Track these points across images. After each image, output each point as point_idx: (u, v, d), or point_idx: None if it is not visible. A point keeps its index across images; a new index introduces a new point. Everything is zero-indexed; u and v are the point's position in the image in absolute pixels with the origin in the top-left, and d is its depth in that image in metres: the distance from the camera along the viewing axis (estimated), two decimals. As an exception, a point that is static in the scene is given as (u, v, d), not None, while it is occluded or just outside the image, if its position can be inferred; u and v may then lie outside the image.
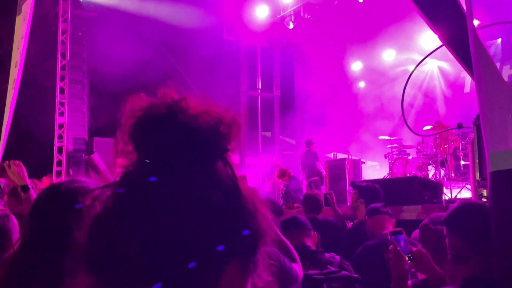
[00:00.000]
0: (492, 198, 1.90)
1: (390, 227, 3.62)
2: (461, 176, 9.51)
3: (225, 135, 0.74)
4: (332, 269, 2.41)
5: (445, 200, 6.26)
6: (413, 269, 2.46)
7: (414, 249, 2.32)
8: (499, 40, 12.53)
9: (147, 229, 0.64)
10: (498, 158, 1.85)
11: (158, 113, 0.71)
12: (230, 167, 0.73)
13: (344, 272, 2.32)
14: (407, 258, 2.27)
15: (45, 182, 12.76)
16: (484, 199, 4.41)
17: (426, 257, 2.31)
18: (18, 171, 2.73)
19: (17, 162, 2.77)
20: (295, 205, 7.67)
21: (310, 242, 3.04)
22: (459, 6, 4.11)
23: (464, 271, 2.07)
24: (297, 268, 2.54)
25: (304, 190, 11.09)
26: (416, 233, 3.07)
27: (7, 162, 2.74)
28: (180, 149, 0.69)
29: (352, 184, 4.67)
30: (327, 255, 2.72)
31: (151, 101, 0.75)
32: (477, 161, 4.27)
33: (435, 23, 4.27)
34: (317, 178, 11.46)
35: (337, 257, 2.72)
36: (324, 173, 10.93)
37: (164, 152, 0.69)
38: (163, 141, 0.69)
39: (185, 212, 0.65)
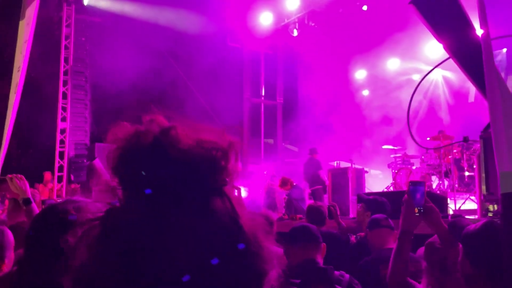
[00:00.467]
0: (504, 219, 1.83)
1: (391, 241, 3.52)
2: (465, 187, 9.41)
3: (222, 167, 0.65)
4: None
5: (451, 214, 6.17)
6: None
7: (427, 204, 2.30)
8: (505, 50, 12.48)
9: (131, 277, 0.57)
10: (510, 179, 1.78)
11: (145, 145, 0.64)
12: (230, 202, 0.64)
13: None
14: (416, 211, 2.26)
15: (47, 176, 12.76)
16: (490, 214, 4.34)
17: (436, 213, 2.30)
18: (20, 185, 2.72)
19: (19, 176, 2.77)
20: (298, 216, 7.58)
21: (320, 257, 2.85)
22: (465, 16, 4.06)
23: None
24: None
25: (307, 199, 11.01)
26: (421, 250, 2.99)
27: (9, 176, 2.73)
28: (171, 188, 0.61)
29: (359, 197, 4.59)
30: (336, 273, 2.63)
31: (136, 130, 0.66)
32: (483, 175, 4.19)
33: (440, 33, 4.22)
34: (320, 187, 11.37)
35: (347, 276, 2.64)
36: (327, 182, 10.84)
37: (153, 190, 0.61)
38: (151, 178, 0.61)
39: (180, 261, 0.58)
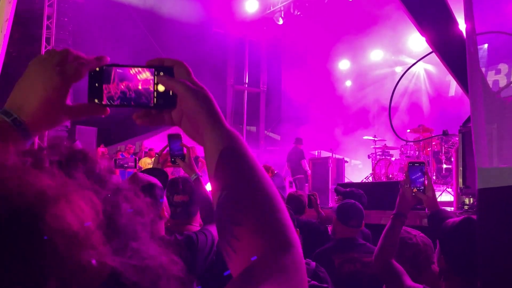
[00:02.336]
0: (479, 214, 1.89)
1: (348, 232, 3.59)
2: (442, 179, 9.58)
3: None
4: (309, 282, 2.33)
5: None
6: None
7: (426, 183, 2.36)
8: (486, 45, 12.64)
9: None
10: (487, 175, 1.83)
11: None
12: None
13: (313, 282, 2.26)
14: (415, 190, 2.32)
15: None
16: (466, 207, 4.44)
17: (433, 193, 2.36)
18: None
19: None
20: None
21: None
22: (448, 11, 4.11)
23: (445, 284, 2.07)
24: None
25: (288, 187, 11.09)
26: None
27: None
28: None
29: (337, 190, 4.65)
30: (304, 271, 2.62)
31: None
32: (461, 168, 4.28)
33: (423, 26, 4.26)
34: (302, 176, 11.47)
35: (313, 264, 2.63)
36: (309, 171, 10.94)
37: None
38: None
39: None
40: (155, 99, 0.85)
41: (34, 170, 0.53)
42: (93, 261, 0.50)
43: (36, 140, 12.19)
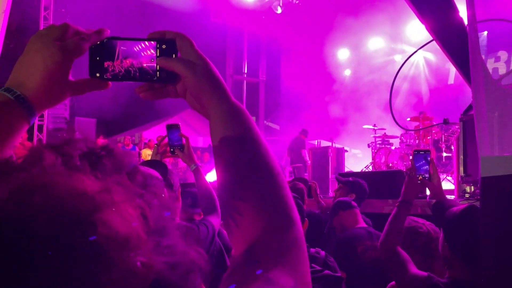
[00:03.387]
0: (482, 202, 1.89)
1: (362, 221, 3.66)
2: (442, 168, 9.58)
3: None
4: (316, 267, 2.34)
5: (429, 195, 6.30)
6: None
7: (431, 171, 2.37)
8: (485, 33, 12.60)
9: None
10: (490, 163, 1.83)
11: None
12: None
13: (326, 272, 2.26)
14: (420, 178, 2.33)
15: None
16: (467, 195, 4.45)
17: (438, 181, 2.38)
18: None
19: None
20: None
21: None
22: (449, -2, 4.09)
23: (449, 271, 2.08)
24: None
25: (287, 177, 11.10)
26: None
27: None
28: None
29: (338, 179, 4.63)
30: (312, 250, 2.62)
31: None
32: (462, 157, 4.28)
33: (423, 14, 4.24)
34: (301, 165, 11.49)
35: (322, 253, 2.64)
36: (309, 162, 10.94)
37: None
38: None
39: None
40: (157, 73, 0.84)
41: (74, 173, 0.52)
42: (138, 264, 0.50)
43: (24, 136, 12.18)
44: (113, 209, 0.50)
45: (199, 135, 15.23)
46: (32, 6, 13.63)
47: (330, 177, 9.88)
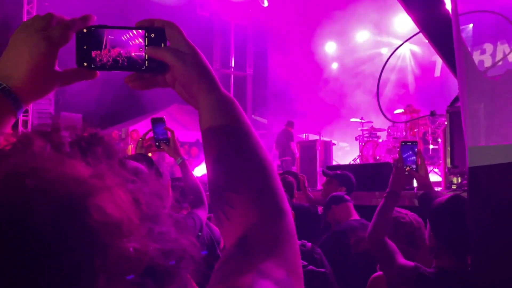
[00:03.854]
0: (470, 193, 1.90)
1: (355, 214, 3.71)
2: (429, 160, 9.65)
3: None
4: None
5: (417, 187, 6.36)
6: None
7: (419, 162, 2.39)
8: (471, 25, 12.69)
9: None
10: (477, 153, 1.83)
11: None
12: None
13: (310, 267, 2.25)
14: (408, 169, 2.35)
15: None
16: (454, 186, 4.48)
17: (426, 172, 2.40)
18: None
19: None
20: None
21: None
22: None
23: (435, 261, 2.09)
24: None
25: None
26: None
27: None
28: None
29: (324, 172, 4.65)
30: (298, 243, 2.62)
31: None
32: (449, 148, 4.31)
33: (409, 5, 4.25)
34: (289, 158, 11.48)
35: (309, 245, 2.63)
36: (297, 154, 10.94)
37: None
38: None
39: None
40: (146, 62, 0.82)
41: (66, 158, 0.52)
42: (131, 249, 0.49)
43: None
44: (106, 194, 0.49)
45: (186, 129, 15.17)
46: (15, 0, 13.44)
47: (318, 170, 9.90)
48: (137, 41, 0.82)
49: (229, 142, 0.76)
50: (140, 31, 0.82)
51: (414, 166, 2.35)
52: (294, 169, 10.93)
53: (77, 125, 0.59)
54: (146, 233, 0.52)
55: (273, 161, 11.90)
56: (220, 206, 0.71)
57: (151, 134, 2.63)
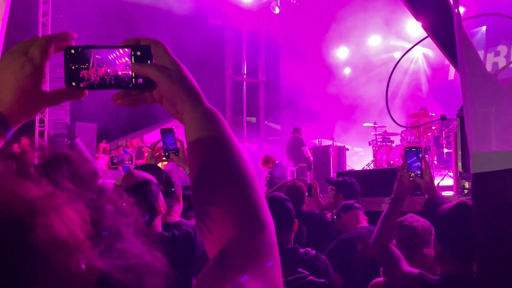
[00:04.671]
0: (475, 199, 1.89)
1: (364, 221, 3.73)
2: (443, 164, 9.57)
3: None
4: (302, 272, 2.29)
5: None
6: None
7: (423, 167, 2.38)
8: (484, 27, 12.56)
9: None
10: (481, 159, 1.83)
11: None
12: None
13: (310, 278, 2.23)
14: (413, 175, 2.34)
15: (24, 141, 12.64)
16: (465, 191, 4.44)
17: (430, 177, 2.39)
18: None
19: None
20: (279, 194, 7.61)
21: (290, 236, 2.66)
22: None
23: (441, 268, 2.08)
24: None
25: (289, 177, 11.08)
26: None
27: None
28: None
29: (328, 180, 4.68)
30: (301, 250, 2.56)
31: None
32: (460, 152, 4.27)
33: (418, 11, 4.24)
34: (304, 165, 11.43)
35: (312, 252, 2.60)
36: (311, 158, 10.91)
37: None
38: None
39: None
40: (133, 79, 0.84)
41: (21, 180, 0.53)
42: (83, 266, 0.50)
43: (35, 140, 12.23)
44: (53, 213, 0.50)
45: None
46: (30, 13, 13.67)
47: (331, 176, 9.86)
48: (123, 59, 0.84)
49: (210, 155, 0.77)
50: (126, 49, 0.84)
51: (418, 172, 2.35)
52: (309, 174, 10.90)
53: (45, 146, 0.60)
54: (103, 250, 0.53)
55: (287, 167, 11.89)
56: (202, 219, 0.72)
57: (160, 145, 2.66)
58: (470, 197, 3.77)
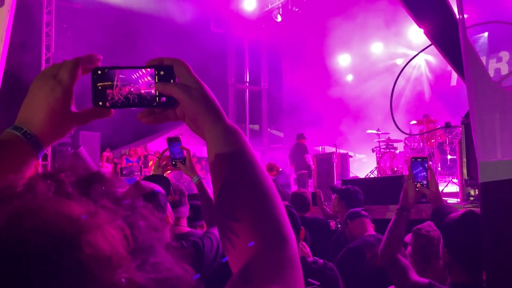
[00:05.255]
0: (483, 208, 1.88)
1: (371, 229, 3.71)
2: (447, 170, 9.55)
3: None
4: (312, 282, 2.28)
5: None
6: None
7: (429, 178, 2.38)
8: (486, 34, 12.59)
9: None
10: (489, 169, 1.83)
11: None
12: None
13: None
14: (419, 186, 2.35)
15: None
16: (471, 198, 4.42)
17: (437, 188, 2.39)
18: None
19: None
20: (284, 202, 7.62)
21: (298, 247, 2.80)
22: (445, 1, 4.09)
23: (450, 277, 2.08)
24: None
25: (293, 185, 11.07)
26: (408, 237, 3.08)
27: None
28: None
29: (332, 188, 4.68)
30: (309, 260, 2.57)
31: None
32: (465, 160, 4.26)
33: (420, 18, 4.25)
34: (305, 172, 11.43)
35: (320, 261, 2.60)
36: (312, 166, 10.90)
37: None
38: None
39: None
40: (157, 98, 0.88)
41: (63, 199, 0.56)
42: (123, 280, 0.53)
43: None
44: (97, 231, 0.53)
45: (203, 145, 15.18)
46: (34, 23, 13.75)
47: (335, 183, 9.85)
48: (147, 78, 0.88)
49: (233, 171, 0.80)
50: (149, 69, 0.88)
51: (424, 182, 2.35)
52: (311, 181, 10.89)
53: (78, 165, 0.63)
54: (139, 264, 0.56)
55: (290, 175, 11.88)
56: (225, 234, 0.74)
57: (167, 153, 2.67)
58: (476, 204, 3.76)
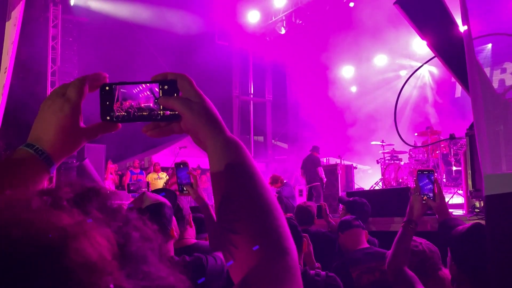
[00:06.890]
0: (488, 221, 1.88)
1: (363, 240, 3.52)
2: (452, 182, 9.52)
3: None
4: None
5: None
6: None
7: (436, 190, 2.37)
8: (490, 45, 12.60)
9: None
10: (494, 181, 1.83)
11: None
12: None
13: None
14: (425, 198, 2.35)
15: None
16: (476, 210, 4.41)
17: (443, 201, 2.39)
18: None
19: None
20: (288, 214, 7.60)
21: (301, 259, 2.68)
22: (448, 14, 4.11)
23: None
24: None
25: (297, 197, 11.04)
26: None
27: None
28: None
29: (340, 199, 4.66)
30: (312, 272, 2.54)
31: None
32: (470, 171, 4.26)
33: (424, 31, 4.27)
34: (318, 183, 11.36)
35: (323, 273, 2.57)
36: (325, 179, 10.86)
37: None
38: None
39: None
40: (161, 112, 0.91)
41: (54, 210, 0.57)
42: (111, 286, 0.53)
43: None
44: (83, 238, 0.54)
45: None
46: (40, 36, 13.87)
47: (340, 195, 9.83)
48: (151, 93, 0.91)
49: (233, 183, 0.82)
50: (154, 84, 0.91)
51: (431, 195, 2.35)
52: (323, 194, 10.84)
53: (75, 181, 0.65)
54: (129, 272, 0.57)
55: (295, 186, 11.84)
56: (225, 247, 0.76)
57: (174, 179, 2.68)
58: (482, 216, 3.75)
